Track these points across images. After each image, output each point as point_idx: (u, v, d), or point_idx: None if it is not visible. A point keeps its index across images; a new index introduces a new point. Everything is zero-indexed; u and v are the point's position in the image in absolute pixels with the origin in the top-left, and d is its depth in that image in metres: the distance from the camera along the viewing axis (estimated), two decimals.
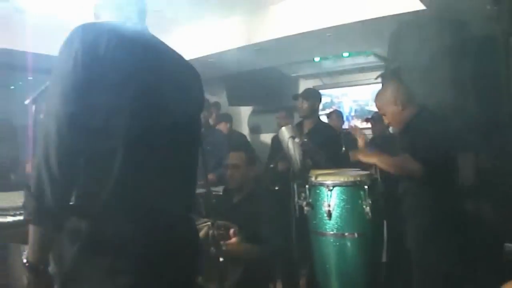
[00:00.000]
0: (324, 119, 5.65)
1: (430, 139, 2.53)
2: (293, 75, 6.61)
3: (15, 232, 2.08)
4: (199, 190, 2.05)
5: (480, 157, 3.51)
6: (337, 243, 2.63)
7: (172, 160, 1.47)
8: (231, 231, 2.55)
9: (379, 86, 3.61)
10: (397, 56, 3.60)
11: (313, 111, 4.04)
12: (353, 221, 2.62)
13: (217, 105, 6.43)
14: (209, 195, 2.30)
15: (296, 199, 2.78)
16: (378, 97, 2.85)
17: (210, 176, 4.04)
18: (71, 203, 1.31)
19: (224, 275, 2.28)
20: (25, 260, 1.29)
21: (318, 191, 2.70)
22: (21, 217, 2.02)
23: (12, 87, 6.23)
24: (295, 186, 2.79)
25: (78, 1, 2.97)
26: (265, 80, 6.31)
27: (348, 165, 3.33)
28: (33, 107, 1.90)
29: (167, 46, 1.60)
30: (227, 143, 4.71)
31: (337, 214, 2.62)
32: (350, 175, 2.70)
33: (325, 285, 2.75)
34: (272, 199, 3.11)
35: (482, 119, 3.33)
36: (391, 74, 3.67)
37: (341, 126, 5.66)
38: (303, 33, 4.36)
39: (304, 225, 2.82)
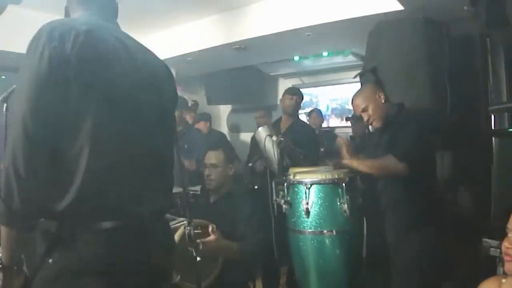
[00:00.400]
0: (303, 117, 5.68)
1: (411, 138, 2.56)
2: (272, 74, 6.61)
3: None
4: (177, 189, 2.03)
5: (457, 154, 3.55)
6: (316, 241, 2.62)
7: (144, 159, 1.45)
8: (210, 228, 2.53)
9: (358, 85, 3.62)
10: (374, 55, 3.61)
11: (297, 109, 4.12)
12: (331, 218, 2.61)
13: (195, 104, 6.41)
14: (186, 194, 2.28)
15: (274, 197, 2.76)
16: (357, 95, 2.86)
17: (187, 163, 4.05)
18: (40, 203, 1.28)
19: (201, 275, 2.26)
20: None
21: (296, 189, 2.69)
22: None
23: None
24: (273, 185, 2.78)
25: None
26: (244, 79, 6.32)
27: (327, 163, 3.35)
28: (4, 106, 1.86)
29: (138, 44, 1.59)
30: (205, 142, 4.69)
31: (315, 211, 2.61)
32: (328, 172, 2.69)
33: (305, 283, 2.73)
34: (251, 198, 3.10)
35: (459, 117, 3.36)
36: (368, 73, 3.69)
37: (321, 124, 5.69)
38: (283, 32, 4.36)
39: (283, 224, 2.80)
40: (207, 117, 5.76)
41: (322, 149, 4.56)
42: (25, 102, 1.23)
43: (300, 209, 2.64)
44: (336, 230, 2.61)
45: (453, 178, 3.48)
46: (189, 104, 5.30)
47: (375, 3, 3.70)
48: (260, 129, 3.10)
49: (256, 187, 3.34)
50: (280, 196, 2.75)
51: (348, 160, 2.69)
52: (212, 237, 2.52)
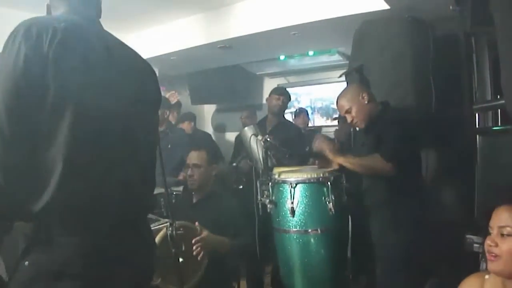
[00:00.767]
0: (288, 116, 5.67)
1: (397, 138, 2.56)
2: (258, 73, 6.59)
3: None
4: (159, 190, 2.00)
5: (441, 152, 3.57)
6: (301, 240, 2.62)
7: (123, 160, 1.41)
8: (198, 226, 2.52)
9: (344, 84, 3.62)
10: (360, 54, 3.61)
11: (284, 109, 4.14)
12: (317, 217, 2.61)
13: (178, 103, 6.36)
14: (169, 195, 2.26)
15: (259, 197, 2.75)
16: (341, 95, 2.87)
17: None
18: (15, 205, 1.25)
19: (183, 276, 2.24)
20: None
21: (281, 188, 2.68)
22: None
23: None
24: (258, 184, 2.76)
25: None
26: (229, 78, 6.29)
27: (312, 162, 3.33)
28: None
29: (120, 43, 1.55)
30: (189, 142, 4.66)
31: (300, 211, 2.60)
32: (313, 171, 2.69)
33: (290, 282, 2.73)
34: (235, 198, 3.09)
35: (444, 116, 3.37)
36: (354, 72, 3.69)
37: (307, 124, 5.68)
38: (268, 31, 4.33)
39: (268, 223, 2.79)
40: (191, 117, 5.70)
41: (307, 148, 4.55)
42: (0, 102, 1.19)
43: (285, 209, 2.63)
44: (321, 229, 2.61)
45: (437, 176, 3.49)
46: (167, 95, 5.23)
47: (361, 2, 3.70)
48: (246, 128, 3.09)
49: (241, 186, 3.33)
50: (265, 196, 2.74)
51: (334, 157, 2.69)
52: (204, 233, 2.51)
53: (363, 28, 3.60)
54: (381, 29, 3.46)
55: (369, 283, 3.08)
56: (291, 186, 2.61)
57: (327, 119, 6.19)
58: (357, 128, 2.98)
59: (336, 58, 5.54)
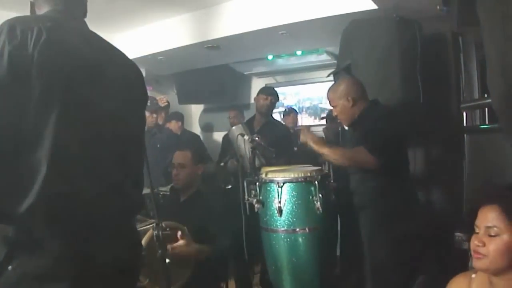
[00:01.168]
0: (277, 116, 5.67)
1: (380, 131, 2.57)
2: (245, 73, 6.56)
3: None
4: (146, 190, 1.97)
5: (429, 150, 3.58)
6: (289, 239, 2.61)
7: (109, 161, 1.39)
8: (179, 234, 2.48)
9: (332, 83, 3.61)
10: (348, 53, 3.62)
11: (272, 109, 4.14)
12: (304, 216, 2.60)
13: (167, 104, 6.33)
14: (155, 195, 2.23)
15: (246, 196, 2.73)
16: (331, 89, 2.88)
17: None
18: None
19: (170, 277, 2.21)
20: None
21: (268, 188, 2.68)
22: None
23: None
24: (245, 184, 2.75)
25: None
26: (217, 78, 6.28)
27: (300, 161, 3.33)
28: None
29: (106, 43, 1.53)
30: (177, 142, 4.64)
31: (288, 210, 2.59)
32: (301, 171, 2.68)
33: (278, 281, 2.72)
34: (223, 197, 3.07)
35: (432, 114, 3.39)
36: (342, 72, 3.69)
37: (296, 124, 5.68)
38: (256, 30, 4.32)
39: (255, 223, 2.79)
40: (178, 116, 5.68)
41: (296, 148, 4.55)
42: None
43: (272, 208, 2.63)
44: (309, 227, 2.61)
45: (425, 174, 3.50)
46: (157, 99, 5.21)
47: (349, 2, 3.70)
48: (233, 128, 3.09)
49: (230, 186, 3.32)
50: (252, 195, 2.73)
51: (318, 148, 2.69)
52: (181, 241, 2.47)
53: (351, 27, 3.61)
54: (369, 29, 3.47)
55: (358, 282, 3.08)
56: (278, 186, 2.61)
57: (315, 118, 6.19)
58: (345, 127, 2.99)
59: (324, 57, 5.53)
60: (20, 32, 1.22)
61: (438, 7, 3.18)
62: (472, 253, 1.51)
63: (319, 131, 5.11)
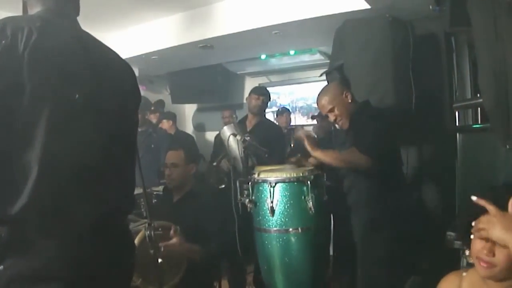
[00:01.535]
0: (270, 116, 5.67)
1: (372, 131, 2.57)
2: (239, 72, 6.56)
3: None
4: (138, 191, 1.97)
5: (422, 150, 3.59)
6: (281, 239, 2.61)
7: (101, 161, 1.38)
8: (172, 231, 2.48)
9: (325, 83, 3.61)
10: (341, 53, 3.62)
11: (264, 109, 4.14)
12: (297, 216, 2.60)
13: (160, 103, 6.32)
14: (147, 195, 2.22)
15: (238, 196, 2.73)
16: (321, 95, 2.85)
17: None
18: None
19: (163, 277, 2.21)
20: None
21: (261, 188, 2.67)
22: None
23: None
24: (238, 184, 2.74)
25: None
26: (210, 78, 6.27)
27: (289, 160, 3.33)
28: None
29: (99, 42, 1.52)
30: (170, 142, 4.64)
31: (280, 210, 2.59)
32: (293, 171, 2.69)
33: (271, 281, 2.72)
34: (216, 197, 3.07)
35: (424, 114, 3.40)
36: (335, 72, 3.70)
37: (289, 123, 5.68)
38: (249, 30, 4.32)
39: (248, 223, 2.79)
40: (171, 116, 5.68)
41: (289, 148, 4.55)
42: None
43: (265, 208, 2.63)
44: (301, 227, 2.61)
45: (418, 173, 3.52)
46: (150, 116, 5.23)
47: (342, 2, 3.70)
48: (224, 127, 3.07)
49: (223, 186, 3.31)
50: (244, 195, 2.73)
51: (312, 151, 2.68)
52: (173, 240, 2.47)
53: (344, 27, 3.62)
54: (361, 29, 3.48)
55: (351, 282, 3.08)
56: (271, 186, 2.60)
57: (308, 118, 6.20)
58: (338, 127, 2.98)
59: (317, 57, 5.54)
60: (11, 32, 1.21)
61: (430, 7, 3.19)
62: (477, 260, 1.47)
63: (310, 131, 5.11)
